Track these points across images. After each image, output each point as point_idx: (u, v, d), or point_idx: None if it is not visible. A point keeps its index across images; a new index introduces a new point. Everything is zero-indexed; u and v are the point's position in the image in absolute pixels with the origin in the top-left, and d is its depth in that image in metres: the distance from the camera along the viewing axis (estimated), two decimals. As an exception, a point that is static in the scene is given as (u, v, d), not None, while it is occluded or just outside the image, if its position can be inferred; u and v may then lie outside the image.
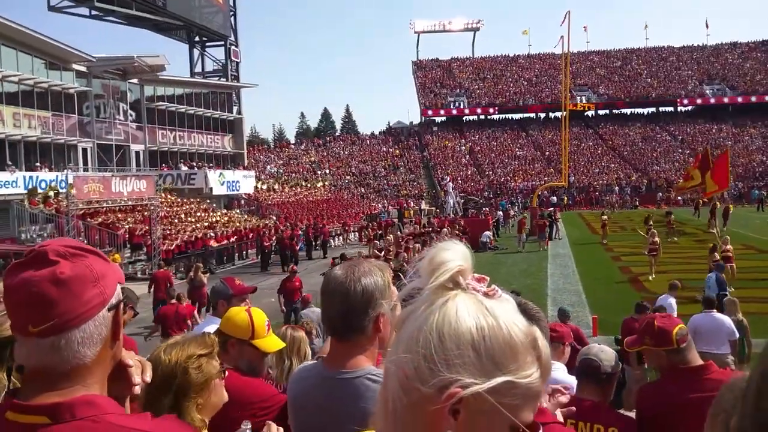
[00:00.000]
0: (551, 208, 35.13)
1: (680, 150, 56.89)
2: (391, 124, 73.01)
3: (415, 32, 74.67)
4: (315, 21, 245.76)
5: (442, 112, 66.02)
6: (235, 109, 44.31)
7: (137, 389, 1.11)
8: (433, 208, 42.64)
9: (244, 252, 26.10)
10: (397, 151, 60.65)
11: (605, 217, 27.11)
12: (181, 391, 1.65)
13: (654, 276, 16.57)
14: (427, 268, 0.80)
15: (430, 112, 65.98)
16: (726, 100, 62.65)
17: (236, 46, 45.96)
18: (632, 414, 2.98)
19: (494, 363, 0.73)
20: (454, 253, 0.81)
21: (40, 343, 0.96)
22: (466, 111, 66.13)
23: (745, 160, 53.23)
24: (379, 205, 43.29)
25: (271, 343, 2.56)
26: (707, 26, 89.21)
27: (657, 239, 17.64)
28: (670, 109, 64.54)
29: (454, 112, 65.87)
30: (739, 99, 61.90)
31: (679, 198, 44.69)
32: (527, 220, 28.30)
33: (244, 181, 36.68)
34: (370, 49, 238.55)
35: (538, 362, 0.77)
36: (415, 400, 0.74)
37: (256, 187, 38.90)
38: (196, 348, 1.74)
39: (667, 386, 2.68)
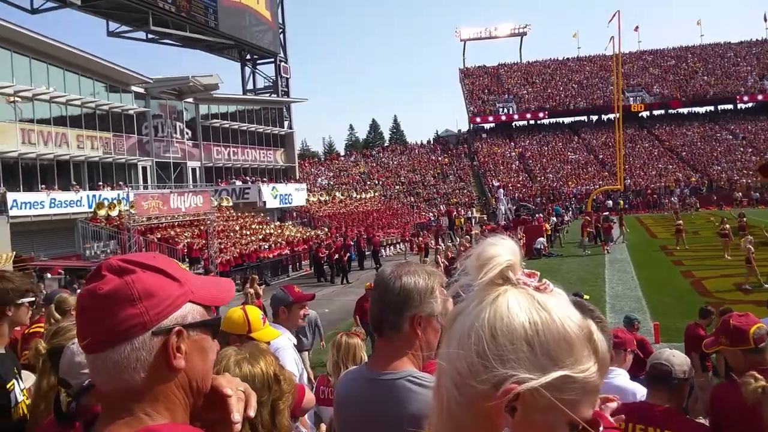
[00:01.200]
0: (606, 212, 34.25)
1: (742, 149, 54.64)
2: (439, 133, 72.99)
3: (461, 40, 74.50)
4: (361, 33, 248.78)
5: (490, 118, 65.53)
6: (286, 123, 45.15)
7: (237, 427, 0.99)
8: (484, 216, 42.26)
9: (298, 263, 26.51)
10: (446, 159, 60.49)
11: (680, 222, 24.87)
12: (277, 400, 1.67)
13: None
14: (474, 264, 0.78)
15: (478, 119, 65.58)
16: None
17: (286, 62, 46.91)
18: (704, 421, 2.93)
19: (550, 357, 0.72)
20: (502, 248, 0.79)
21: (89, 360, 0.92)
22: (516, 116, 65.44)
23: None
24: (430, 214, 43.21)
25: (267, 333, 2.94)
26: (766, 19, 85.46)
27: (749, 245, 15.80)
28: (730, 106, 62.13)
29: (503, 117, 65.27)
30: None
31: (744, 199, 42.86)
32: (590, 223, 27.44)
33: (296, 194, 37.29)
34: (417, 59, 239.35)
35: (594, 356, 0.75)
36: (469, 398, 0.73)
37: (307, 200, 39.50)
38: (269, 356, 1.77)
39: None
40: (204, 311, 0.96)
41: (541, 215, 34.17)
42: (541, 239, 26.24)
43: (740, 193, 44.88)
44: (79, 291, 1.03)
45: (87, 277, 0.96)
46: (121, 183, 30.01)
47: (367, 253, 26.96)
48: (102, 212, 23.54)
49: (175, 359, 0.90)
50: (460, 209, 44.84)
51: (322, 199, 42.21)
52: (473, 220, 39.73)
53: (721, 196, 44.79)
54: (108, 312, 0.88)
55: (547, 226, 29.25)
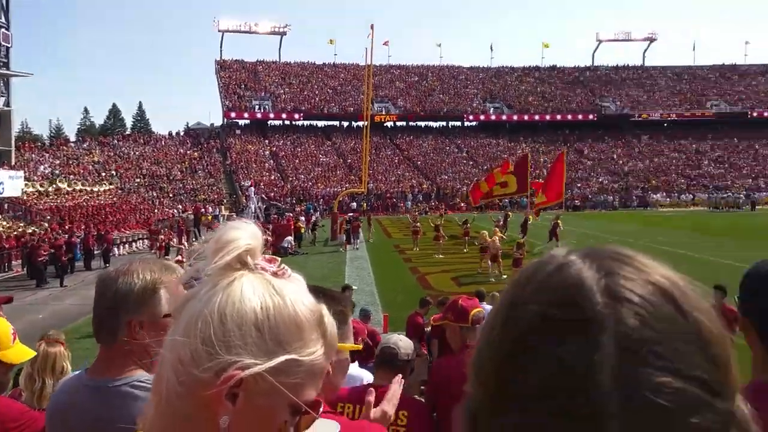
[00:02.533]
0: (351, 214, 36.13)
1: (465, 161, 62.32)
2: (190, 125, 69.70)
3: (219, 30, 72.35)
4: (104, 10, 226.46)
5: (245, 115, 64.69)
6: (2, 100, 38.85)
7: None
8: (233, 214, 41.45)
9: (7, 264, 22.83)
10: (196, 154, 58.04)
11: (418, 224, 26.00)
12: None
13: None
14: (213, 247, 0.75)
15: (233, 115, 64.26)
16: (504, 117, 70.13)
17: (7, 28, 40.32)
18: (420, 398, 3.24)
19: (278, 342, 0.71)
20: (243, 232, 0.76)
21: None
22: (271, 115, 65.59)
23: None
24: (174, 211, 40.89)
25: (17, 353, 2.25)
26: (492, 49, 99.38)
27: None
28: (458, 123, 70.46)
29: (259, 115, 64.94)
30: (515, 117, 69.65)
31: (462, 204, 48.79)
32: (345, 222, 28.30)
33: (9, 183, 32.19)
34: (170, 45, 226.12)
35: (323, 339, 0.76)
36: (190, 388, 0.70)
37: (24, 190, 34.40)
38: None
39: (457, 359, 3.04)
40: None
41: (290, 214, 34.69)
42: (289, 238, 26.59)
43: (460, 200, 51.01)
44: None
45: None
46: None
47: (96, 252, 24.39)
48: None
49: None
50: (207, 206, 43.35)
51: (42, 189, 37.25)
52: (221, 218, 38.69)
53: (446, 202, 50.47)
54: None
55: (301, 224, 29.80)
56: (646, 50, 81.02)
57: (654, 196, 54.54)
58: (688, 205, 51.50)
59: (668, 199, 53.71)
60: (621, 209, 50.24)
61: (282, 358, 0.70)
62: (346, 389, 2.42)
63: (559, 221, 22.81)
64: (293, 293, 0.74)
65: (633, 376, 0.41)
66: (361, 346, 1.65)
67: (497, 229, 20.40)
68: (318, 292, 1.27)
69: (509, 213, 30.87)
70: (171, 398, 0.71)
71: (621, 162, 62.90)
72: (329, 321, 0.78)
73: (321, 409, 0.76)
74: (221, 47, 73.43)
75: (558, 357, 0.42)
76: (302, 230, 29.34)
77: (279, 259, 0.78)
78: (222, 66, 70.71)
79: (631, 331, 0.42)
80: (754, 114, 69.04)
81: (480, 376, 0.48)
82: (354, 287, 11.50)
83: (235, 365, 0.68)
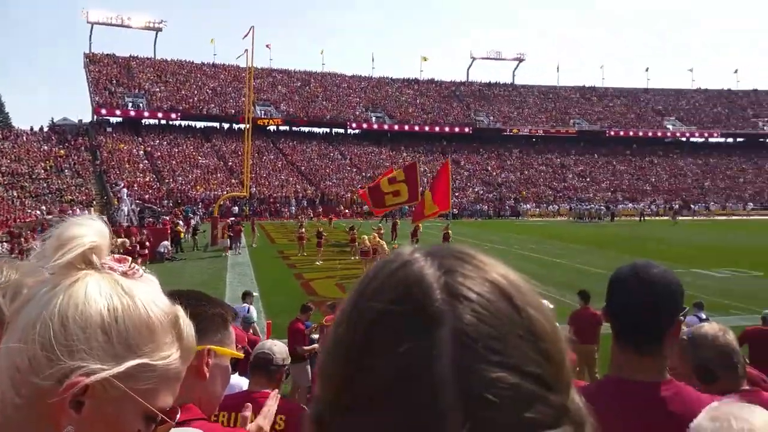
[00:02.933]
0: (232, 218, 35.32)
1: (348, 168, 62.98)
2: (55, 121, 64.62)
3: (89, 22, 67.82)
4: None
5: (118, 112, 61.05)
6: None
7: None
8: (104, 216, 38.97)
9: None
10: (63, 152, 53.93)
11: (303, 229, 25.50)
12: None
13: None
14: (54, 244, 0.69)
15: (104, 111, 60.40)
16: (386, 126, 71.70)
17: None
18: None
19: (127, 345, 0.66)
20: (88, 228, 0.71)
21: None
22: (146, 114, 62.43)
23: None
24: (37, 212, 37.77)
25: None
26: (373, 59, 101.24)
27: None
28: (342, 130, 71.10)
29: (132, 113, 61.55)
30: (396, 127, 71.46)
31: (346, 211, 49.32)
32: (229, 226, 27.43)
33: None
34: (33, 33, 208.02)
35: (178, 342, 0.72)
36: (29, 398, 0.64)
37: None
38: None
39: None
40: None
41: (167, 218, 33.25)
42: (165, 243, 25.53)
43: (344, 207, 51.50)
44: None
45: None
46: None
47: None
48: None
49: None
50: (75, 208, 40.44)
51: None
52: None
53: (330, 208, 50.74)
54: None
55: (180, 228, 28.66)
56: (515, 69, 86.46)
57: (525, 206, 58.20)
58: (555, 215, 55.50)
59: (538, 209, 57.59)
60: (495, 218, 53.11)
61: (132, 363, 0.66)
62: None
63: (449, 230, 23.13)
64: (145, 294, 0.70)
65: (470, 372, 0.41)
66: (242, 354, 1.66)
67: (375, 235, 20.89)
68: (193, 296, 1.36)
69: (397, 221, 31.04)
70: (8, 411, 0.65)
71: (495, 173, 66.55)
72: (185, 323, 0.74)
73: (177, 417, 0.73)
74: (90, 40, 68.89)
75: (399, 353, 0.42)
76: (182, 235, 28.28)
77: (129, 258, 0.74)
78: (91, 60, 66.36)
79: (468, 327, 0.43)
80: (611, 133, 75.82)
81: (326, 377, 0.47)
82: (255, 294, 11.38)
83: (79, 371, 0.63)
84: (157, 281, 0.75)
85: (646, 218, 50.20)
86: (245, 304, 10.79)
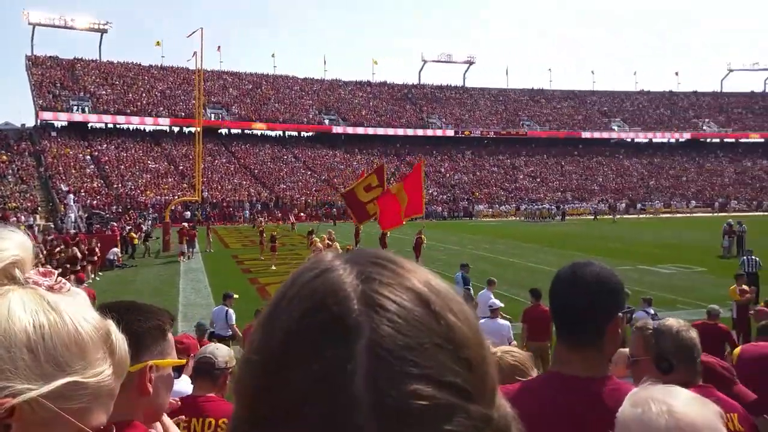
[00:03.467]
0: (184, 223, 34.68)
1: (303, 171, 62.64)
2: (-5, 125, 62.04)
3: (30, 23, 65.44)
4: None
5: (62, 116, 59.07)
6: None
7: None
8: (50, 224, 37.72)
9: None
10: (5, 157, 51.82)
11: (263, 233, 25.10)
12: None
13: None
14: None
15: (48, 115, 58.36)
16: (340, 129, 71.59)
17: None
18: None
19: (56, 364, 0.63)
20: (9, 242, 0.68)
21: None
22: (92, 117, 60.64)
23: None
24: (-23, 220, 36.26)
25: None
26: (325, 62, 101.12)
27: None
28: (295, 133, 70.63)
29: (78, 117, 59.70)
30: (349, 129, 71.45)
31: (302, 214, 48.99)
32: (186, 232, 26.66)
33: None
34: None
35: (111, 358, 0.69)
36: None
37: None
38: None
39: None
40: None
41: (116, 224, 32.38)
42: (115, 249, 24.86)
43: (299, 210, 51.15)
44: None
45: None
46: None
47: None
48: None
49: None
50: (20, 215, 38.93)
51: None
52: (36, 228, 35.01)
53: (284, 211, 50.36)
54: None
55: (133, 234, 27.96)
56: (466, 72, 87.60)
57: (478, 207, 59.04)
58: (507, 215, 56.50)
59: (491, 210, 58.49)
60: (449, 219, 53.71)
61: (61, 381, 0.63)
62: None
63: (422, 235, 21.57)
64: (73, 309, 0.67)
65: (386, 385, 0.40)
66: (184, 361, 1.62)
67: (325, 237, 20.87)
68: (126, 308, 1.35)
69: (359, 226, 30.14)
70: None
71: (448, 175, 67.29)
72: (118, 337, 0.72)
73: None
74: (32, 41, 66.49)
75: (315, 366, 0.41)
76: (136, 241, 27.57)
77: (55, 272, 0.71)
78: (33, 62, 64.04)
79: (384, 339, 0.41)
80: (560, 135, 77.67)
81: (243, 388, 0.45)
82: (235, 296, 11.16)
83: (3, 392, 0.60)
84: (85, 294, 0.72)
85: (598, 218, 51.75)
86: (224, 307, 10.59)
